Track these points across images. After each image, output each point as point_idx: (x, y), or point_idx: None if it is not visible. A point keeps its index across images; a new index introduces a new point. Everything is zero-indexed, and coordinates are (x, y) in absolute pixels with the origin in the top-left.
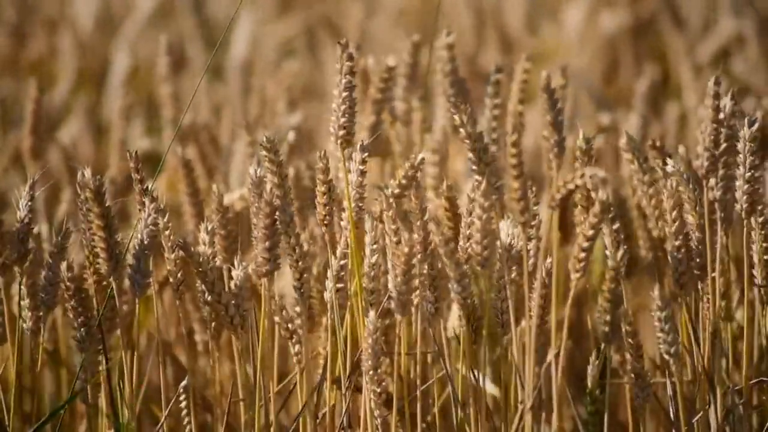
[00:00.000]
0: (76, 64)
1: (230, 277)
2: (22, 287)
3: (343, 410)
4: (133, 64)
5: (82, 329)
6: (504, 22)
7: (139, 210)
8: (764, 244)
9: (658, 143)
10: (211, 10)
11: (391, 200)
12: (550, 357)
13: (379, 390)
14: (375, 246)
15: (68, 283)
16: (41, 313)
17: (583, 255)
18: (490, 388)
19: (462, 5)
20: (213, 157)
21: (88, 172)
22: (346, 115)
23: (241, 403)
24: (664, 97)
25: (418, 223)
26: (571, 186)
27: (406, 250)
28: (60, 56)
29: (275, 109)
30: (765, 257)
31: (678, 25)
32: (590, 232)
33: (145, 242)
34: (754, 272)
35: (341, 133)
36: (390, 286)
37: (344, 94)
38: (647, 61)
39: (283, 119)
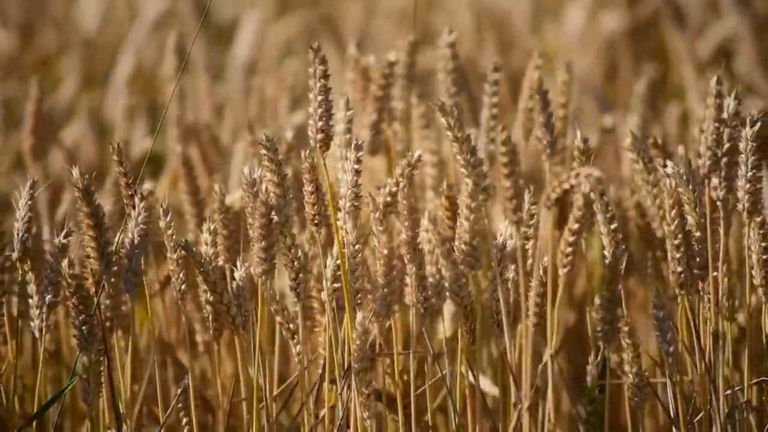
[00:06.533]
0: (81, 64)
1: (232, 278)
2: (31, 285)
3: (343, 410)
4: (137, 65)
5: (83, 328)
6: (507, 22)
7: (126, 206)
8: (762, 244)
9: (659, 141)
10: (217, 11)
11: (379, 201)
12: (546, 357)
13: (367, 391)
14: (357, 246)
15: (69, 281)
16: (45, 312)
17: (569, 250)
18: (489, 388)
19: (464, 5)
20: (214, 157)
21: (76, 172)
22: (323, 119)
23: (244, 403)
24: (664, 97)
25: (407, 224)
26: (566, 186)
27: (385, 251)
28: (65, 57)
29: (277, 108)
30: (764, 257)
31: (678, 25)
32: (575, 226)
33: (136, 241)
34: (753, 272)
35: (319, 136)
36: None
37: (319, 98)
38: (647, 61)
39: (284, 118)
